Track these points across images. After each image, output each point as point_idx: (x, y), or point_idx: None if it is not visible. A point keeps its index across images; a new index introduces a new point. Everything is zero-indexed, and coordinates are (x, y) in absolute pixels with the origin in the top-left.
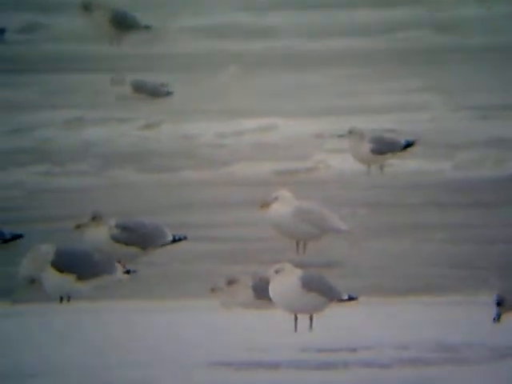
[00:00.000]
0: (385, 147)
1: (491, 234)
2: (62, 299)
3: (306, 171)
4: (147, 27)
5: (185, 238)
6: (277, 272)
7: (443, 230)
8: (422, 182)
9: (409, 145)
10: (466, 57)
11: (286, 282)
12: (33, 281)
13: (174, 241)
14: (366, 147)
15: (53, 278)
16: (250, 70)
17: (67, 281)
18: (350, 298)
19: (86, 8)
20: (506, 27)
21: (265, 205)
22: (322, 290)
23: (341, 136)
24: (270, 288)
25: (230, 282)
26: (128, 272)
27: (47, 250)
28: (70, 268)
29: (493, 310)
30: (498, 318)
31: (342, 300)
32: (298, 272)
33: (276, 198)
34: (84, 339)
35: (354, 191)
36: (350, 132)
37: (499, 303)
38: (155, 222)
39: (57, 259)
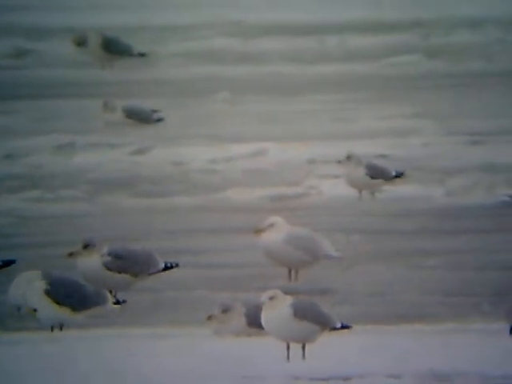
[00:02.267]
0: (378, 174)
1: (484, 261)
2: (52, 328)
3: (297, 197)
4: (142, 54)
5: (176, 266)
6: (270, 299)
7: (435, 256)
8: (414, 207)
9: (398, 176)
10: (457, 82)
11: (277, 311)
12: (19, 309)
13: (166, 268)
14: (362, 173)
15: (48, 310)
16: (240, 96)
17: (62, 312)
18: (344, 327)
19: (79, 44)
20: (497, 53)
21: (259, 231)
22: (314, 319)
23: (339, 162)
24: (262, 316)
25: (225, 310)
26: (118, 303)
27: (38, 277)
28: (65, 300)
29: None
30: None
31: (335, 328)
32: (290, 300)
33: (271, 225)
34: (74, 368)
35: (345, 217)
36: (348, 157)
37: None
38: (147, 249)
39: (51, 290)
